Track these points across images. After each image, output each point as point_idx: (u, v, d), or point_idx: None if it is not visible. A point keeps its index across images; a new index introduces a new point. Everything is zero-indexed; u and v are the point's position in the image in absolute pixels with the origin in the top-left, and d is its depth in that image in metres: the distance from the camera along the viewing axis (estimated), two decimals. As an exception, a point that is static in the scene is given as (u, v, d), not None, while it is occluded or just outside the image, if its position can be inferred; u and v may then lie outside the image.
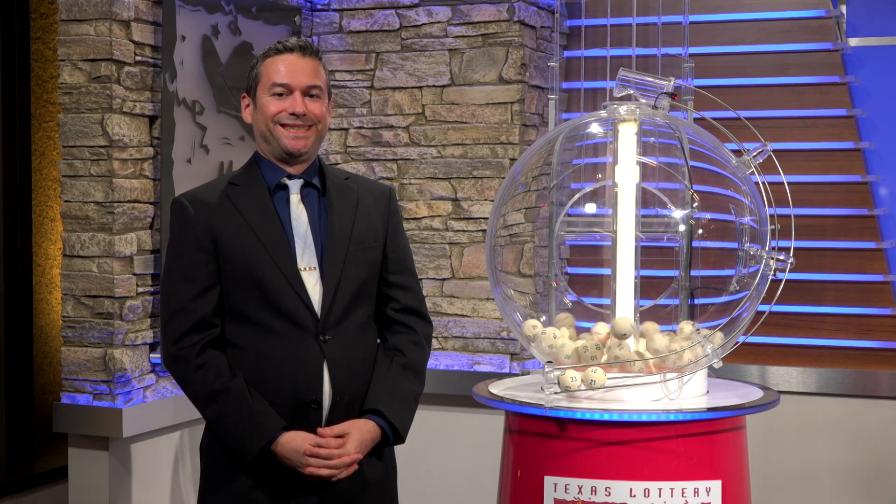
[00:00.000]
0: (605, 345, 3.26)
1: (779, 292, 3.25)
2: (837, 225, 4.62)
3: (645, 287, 3.40)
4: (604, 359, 3.22)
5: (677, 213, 3.42)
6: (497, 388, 3.42)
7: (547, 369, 3.14)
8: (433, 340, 4.44)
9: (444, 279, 4.79)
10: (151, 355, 4.08)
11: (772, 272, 3.26)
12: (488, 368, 4.69)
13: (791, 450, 4.60)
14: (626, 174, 3.32)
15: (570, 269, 4.77)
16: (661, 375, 3.19)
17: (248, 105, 3.11)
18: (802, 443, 4.60)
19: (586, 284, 4.36)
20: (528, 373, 4.54)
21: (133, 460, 4.06)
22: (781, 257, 3.24)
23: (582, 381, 3.12)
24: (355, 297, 3.05)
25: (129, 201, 4.00)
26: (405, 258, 3.20)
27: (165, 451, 4.20)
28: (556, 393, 3.13)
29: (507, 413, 3.35)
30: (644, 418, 3.07)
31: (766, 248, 3.28)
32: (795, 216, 3.36)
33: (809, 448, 4.59)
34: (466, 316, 4.75)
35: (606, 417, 3.07)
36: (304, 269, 3.00)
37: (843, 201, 4.62)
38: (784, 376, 4.57)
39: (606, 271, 3.39)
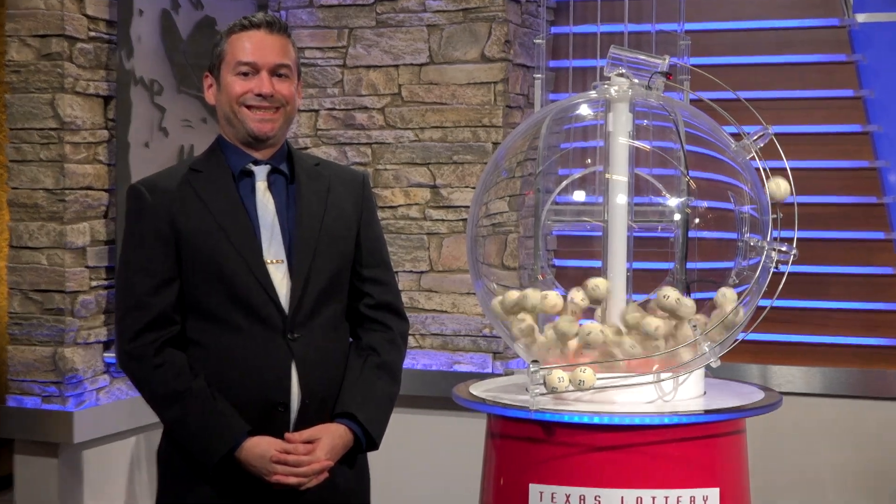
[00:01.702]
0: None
1: (780, 286, 3.25)
2: (844, 214, 4.64)
3: (638, 280, 3.41)
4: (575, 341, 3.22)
5: (672, 202, 3.42)
6: (478, 390, 3.42)
7: (532, 369, 3.14)
8: (410, 338, 4.45)
9: (421, 272, 4.79)
10: (105, 354, 4.07)
11: (773, 264, 3.26)
12: (469, 368, 4.70)
13: (794, 455, 4.62)
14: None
15: (557, 262, 4.78)
16: (655, 375, 3.20)
17: (210, 85, 3.10)
18: (806, 447, 4.61)
19: (575, 278, 4.37)
20: (512, 373, 4.54)
21: (85, 468, 4.05)
22: (784, 249, 3.25)
23: (570, 381, 3.12)
24: (326, 291, 3.05)
25: (81, 188, 3.99)
26: (380, 250, 3.20)
27: (120, 459, 4.19)
28: (541, 394, 3.13)
29: (490, 416, 3.35)
30: (637, 421, 3.07)
31: (768, 239, 3.29)
32: (799, 204, 3.37)
33: (813, 453, 4.61)
34: (446, 312, 4.76)
35: (596, 420, 3.07)
36: (271, 261, 3.00)
37: (850, 188, 4.64)
38: (786, 376, 4.58)
39: (597, 264, 3.39)
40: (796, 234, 3.27)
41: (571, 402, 3.18)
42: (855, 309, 4.61)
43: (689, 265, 3.43)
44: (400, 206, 4.80)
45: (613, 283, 3.30)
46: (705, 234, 3.44)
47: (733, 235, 3.41)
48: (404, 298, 4.37)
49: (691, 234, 3.38)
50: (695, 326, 3.23)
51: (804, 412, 4.58)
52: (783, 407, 3.36)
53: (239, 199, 3.03)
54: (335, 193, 3.12)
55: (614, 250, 3.30)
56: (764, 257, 3.27)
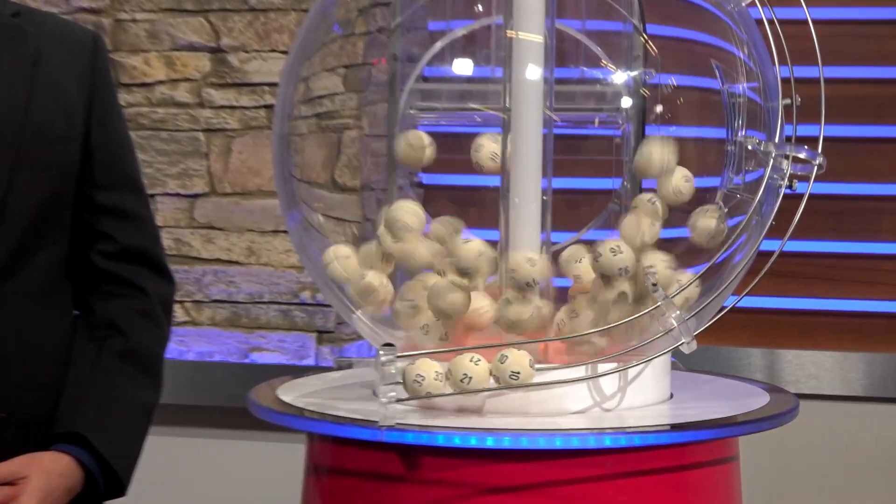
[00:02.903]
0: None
1: (796, 218, 3.30)
2: (900, 98, 4.72)
3: (562, 208, 3.43)
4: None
5: (619, 77, 3.45)
6: (293, 394, 3.43)
7: (383, 356, 3.14)
8: (177, 308, 4.43)
9: (195, 196, 4.78)
10: None
11: (785, 182, 3.31)
12: (278, 358, 4.71)
13: (816, 489, 4.71)
14: None
15: (425, 179, 4.79)
16: (589, 368, 3.22)
17: None
18: (836, 477, 4.70)
19: (457, 204, 4.39)
20: (350, 364, 4.56)
21: None
22: (802, 155, 3.30)
23: (447, 377, 3.13)
24: (32, 230, 3.04)
25: None
26: (124, 160, 3.20)
27: None
28: (399, 400, 3.14)
29: (312, 437, 3.36)
30: (558, 444, 3.09)
31: (776, 140, 3.33)
32: (827, 81, 3.41)
33: (848, 487, 4.69)
34: (238, 263, 4.76)
35: (491, 444, 3.08)
36: (-62, 179, 2.99)
37: (912, 55, 4.72)
38: (807, 367, 4.66)
39: (492, 181, 3.41)
40: (822, 132, 3.31)
41: (449, 413, 3.19)
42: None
43: (646, 182, 3.46)
44: (158, 83, 4.79)
45: (522, 213, 3.31)
46: (674, 130, 3.47)
47: (719, 133, 3.44)
48: (168, 241, 4.36)
49: (650, 130, 3.41)
50: (654, 284, 3.25)
51: (834, 424, 4.67)
52: (801, 417, 3.42)
53: None
54: (48, 65, 3.11)
55: (522, 159, 3.32)
56: (769, 170, 3.31)
